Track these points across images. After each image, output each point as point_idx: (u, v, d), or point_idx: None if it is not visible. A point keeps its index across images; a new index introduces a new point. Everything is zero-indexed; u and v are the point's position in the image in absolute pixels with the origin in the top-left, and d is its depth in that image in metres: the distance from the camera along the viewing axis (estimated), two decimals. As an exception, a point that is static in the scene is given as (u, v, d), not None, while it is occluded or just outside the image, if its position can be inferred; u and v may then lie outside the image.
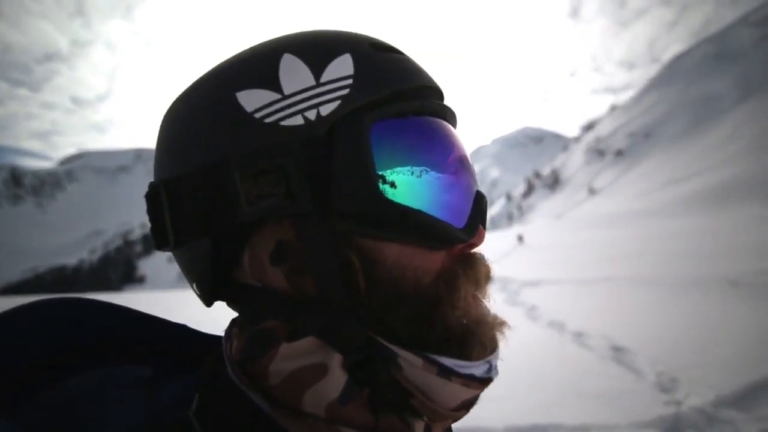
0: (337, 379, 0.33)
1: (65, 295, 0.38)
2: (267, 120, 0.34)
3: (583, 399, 3.96)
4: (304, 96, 0.34)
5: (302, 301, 0.35)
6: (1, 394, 0.34)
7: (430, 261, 0.36)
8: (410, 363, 0.34)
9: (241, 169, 0.34)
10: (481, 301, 0.39)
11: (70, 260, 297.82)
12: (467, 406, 0.37)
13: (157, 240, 0.38)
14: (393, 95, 0.36)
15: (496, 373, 0.38)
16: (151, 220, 0.38)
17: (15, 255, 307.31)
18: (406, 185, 0.35)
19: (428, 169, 0.36)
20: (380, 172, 0.34)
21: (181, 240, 0.37)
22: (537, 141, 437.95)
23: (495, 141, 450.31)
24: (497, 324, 0.39)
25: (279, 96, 0.34)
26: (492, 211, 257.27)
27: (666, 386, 4.14)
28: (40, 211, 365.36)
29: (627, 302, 8.81)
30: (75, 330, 0.38)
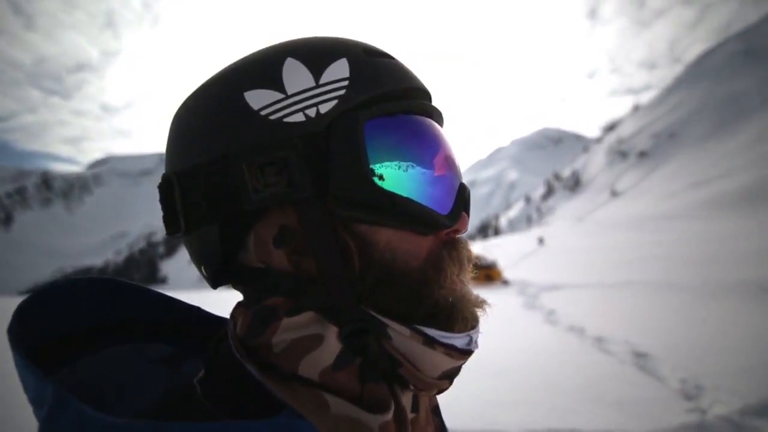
0: (331, 348, 0.37)
1: (105, 276, 0.43)
2: (272, 117, 0.38)
3: (601, 405, 3.89)
4: (305, 96, 0.38)
5: (303, 279, 0.38)
6: (46, 357, 0.38)
7: (418, 245, 0.40)
8: (398, 333, 0.38)
9: (247, 160, 0.37)
10: (465, 282, 0.42)
11: (97, 261, 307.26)
12: (449, 376, 0.41)
13: (169, 227, 0.42)
14: (384, 95, 0.40)
15: (476, 346, 0.42)
16: (164, 208, 0.41)
17: (45, 256, 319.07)
18: (396, 176, 0.39)
19: (415, 163, 0.40)
20: (372, 164, 0.38)
21: (191, 226, 0.40)
22: (556, 142, 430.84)
23: (514, 142, 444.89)
24: (479, 302, 0.43)
25: (282, 95, 0.38)
26: (510, 214, 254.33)
27: (690, 393, 4.04)
28: (68, 214, 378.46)
29: (650, 307, 8.60)
30: (111, 306, 0.44)
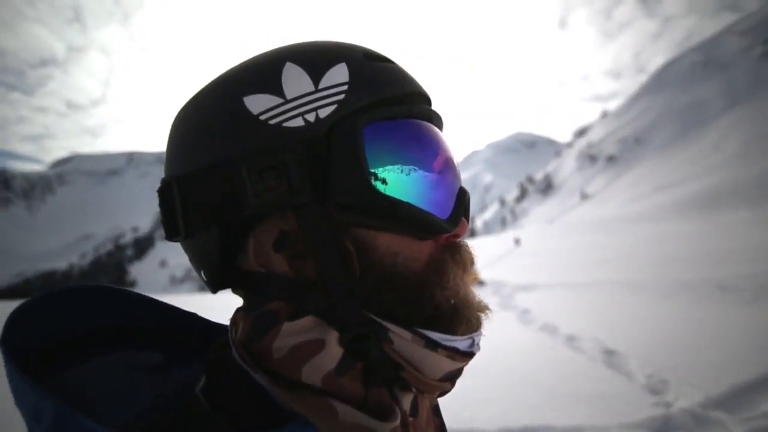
0: (333, 353, 0.37)
1: (95, 283, 0.42)
2: (271, 122, 0.38)
3: (574, 401, 4.00)
4: (304, 100, 0.38)
5: (303, 284, 0.38)
6: (35, 367, 0.37)
7: (419, 249, 0.40)
8: (400, 337, 0.38)
9: (247, 165, 0.37)
10: (469, 285, 0.43)
11: (60, 265, 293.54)
12: (452, 378, 0.41)
13: (168, 231, 0.42)
14: (384, 100, 0.41)
15: (478, 348, 0.42)
16: (163, 212, 0.41)
17: (3, 259, 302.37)
18: (396, 181, 0.39)
19: (416, 167, 0.40)
20: (373, 169, 0.38)
21: (191, 230, 0.40)
22: (530, 146, 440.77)
23: (489, 146, 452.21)
24: (482, 307, 0.43)
25: (282, 100, 0.38)
26: (485, 216, 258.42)
27: (655, 388, 4.20)
28: (29, 215, 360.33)
29: (618, 306, 8.89)
30: (102, 314, 0.43)
